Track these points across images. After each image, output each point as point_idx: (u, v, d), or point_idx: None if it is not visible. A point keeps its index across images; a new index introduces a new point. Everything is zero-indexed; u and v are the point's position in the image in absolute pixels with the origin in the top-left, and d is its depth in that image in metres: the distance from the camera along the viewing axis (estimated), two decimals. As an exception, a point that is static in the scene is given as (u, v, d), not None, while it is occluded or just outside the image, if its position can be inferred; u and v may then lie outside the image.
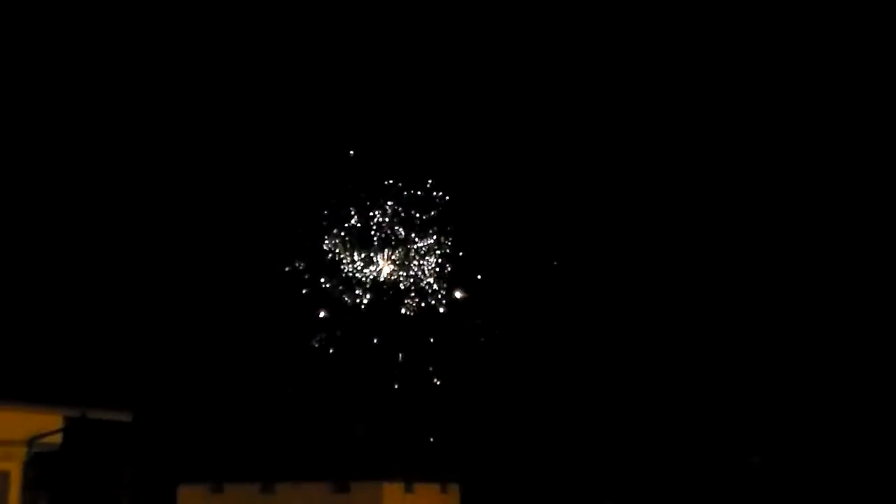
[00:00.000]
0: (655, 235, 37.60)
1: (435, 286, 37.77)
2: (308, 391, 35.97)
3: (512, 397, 37.12)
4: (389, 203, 38.13)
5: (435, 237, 38.17)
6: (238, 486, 31.02)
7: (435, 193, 38.63)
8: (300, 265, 37.10)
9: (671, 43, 38.67)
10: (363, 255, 37.51)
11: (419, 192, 38.43)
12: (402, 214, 38.31)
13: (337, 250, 37.58)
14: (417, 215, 38.67)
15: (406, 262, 37.34)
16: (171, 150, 37.09)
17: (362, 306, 37.11)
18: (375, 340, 37.80)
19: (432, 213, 38.66)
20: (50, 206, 34.79)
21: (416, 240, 38.05)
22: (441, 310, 37.64)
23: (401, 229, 38.11)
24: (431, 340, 37.64)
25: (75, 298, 33.92)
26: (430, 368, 37.50)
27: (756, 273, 36.67)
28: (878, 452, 32.13)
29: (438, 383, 37.39)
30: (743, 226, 37.27)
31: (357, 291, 37.08)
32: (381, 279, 37.50)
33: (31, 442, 16.11)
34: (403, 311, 37.28)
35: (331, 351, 36.92)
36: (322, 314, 37.66)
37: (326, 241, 37.65)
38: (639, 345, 36.60)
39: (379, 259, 37.68)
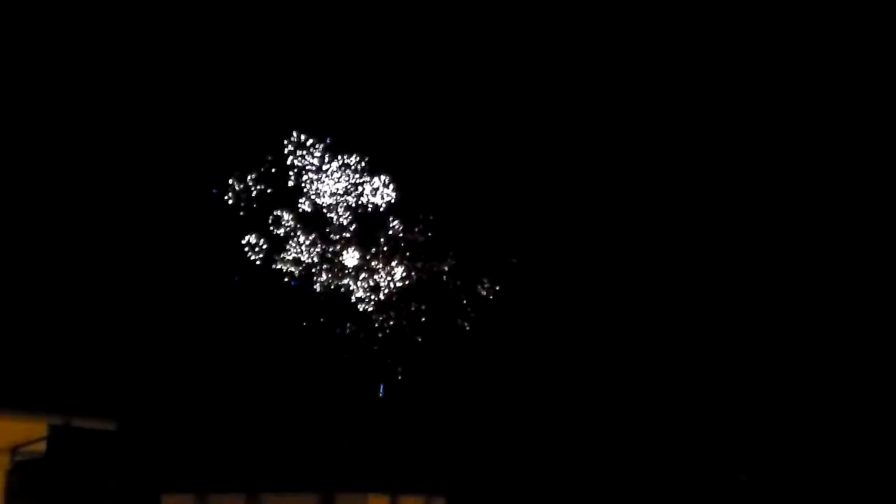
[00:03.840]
0: (635, 258, 37.64)
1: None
2: (294, 402, 35.82)
3: (498, 409, 37.04)
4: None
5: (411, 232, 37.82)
6: (223, 496, 30.83)
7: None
8: (286, 268, 36.81)
9: (669, 42, 38.78)
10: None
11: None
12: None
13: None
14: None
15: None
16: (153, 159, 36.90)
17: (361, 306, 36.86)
18: (362, 350, 37.65)
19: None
20: (33, 211, 34.57)
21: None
22: (422, 319, 37.44)
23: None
24: (417, 347, 37.47)
25: (58, 305, 33.70)
26: (416, 377, 37.38)
27: (743, 287, 36.74)
28: (867, 469, 32.18)
29: (424, 393, 37.28)
30: (723, 255, 37.35)
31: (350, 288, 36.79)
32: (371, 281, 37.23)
33: (14, 450, 15.98)
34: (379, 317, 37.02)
35: (316, 360, 36.73)
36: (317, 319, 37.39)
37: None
38: (626, 360, 36.59)
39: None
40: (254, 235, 36.12)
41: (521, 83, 39.12)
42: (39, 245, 34.59)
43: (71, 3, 36.54)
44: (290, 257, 36.35)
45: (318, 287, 36.55)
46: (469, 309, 36.78)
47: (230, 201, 36.44)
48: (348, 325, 36.64)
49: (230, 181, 36.53)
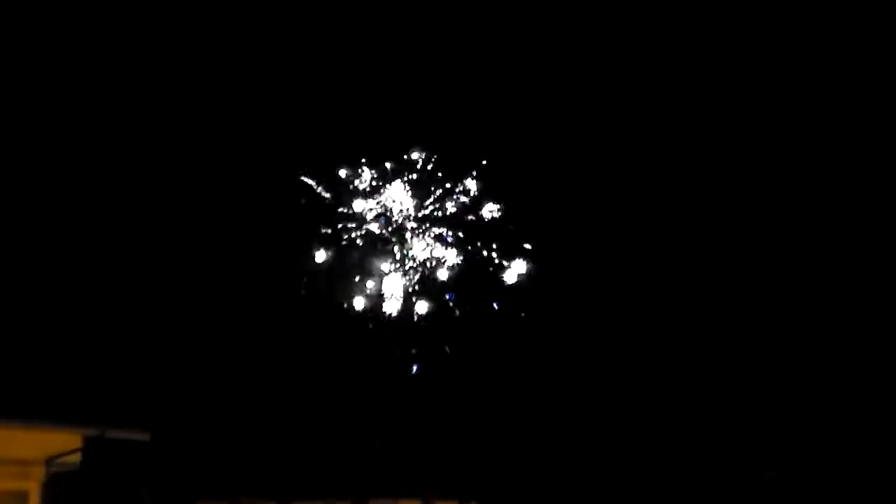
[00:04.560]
0: (668, 245, 37.55)
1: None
2: (326, 407, 36.05)
3: (532, 414, 37.08)
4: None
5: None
6: (255, 502, 31.09)
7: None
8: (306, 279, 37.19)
9: (667, 40, 38.69)
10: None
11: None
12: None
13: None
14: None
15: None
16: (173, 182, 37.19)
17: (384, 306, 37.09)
18: (396, 352, 37.86)
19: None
20: (63, 219, 34.95)
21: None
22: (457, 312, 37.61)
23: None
24: (448, 350, 37.62)
25: (92, 318, 34.13)
26: (450, 382, 37.51)
27: (774, 284, 36.56)
28: (892, 468, 31.94)
29: (458, 397, 37.39)
30: (761, 236, 37.19)
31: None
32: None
33: (49, 461, 16.27)
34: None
35: (348, 362, 36.98)
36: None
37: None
38: (655, 360, 36.53)
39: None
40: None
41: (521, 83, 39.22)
42: (75, 260, 35.04)
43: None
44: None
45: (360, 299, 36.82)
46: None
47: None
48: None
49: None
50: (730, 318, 35.88)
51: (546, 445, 36.12)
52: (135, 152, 37.02)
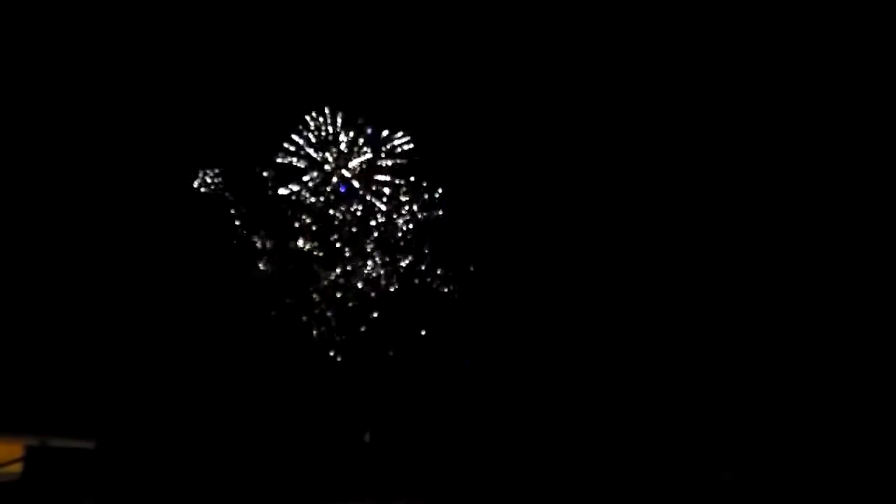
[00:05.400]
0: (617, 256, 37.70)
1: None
2: (272, 413, 35.61)
3: (501, 418, 37.07)
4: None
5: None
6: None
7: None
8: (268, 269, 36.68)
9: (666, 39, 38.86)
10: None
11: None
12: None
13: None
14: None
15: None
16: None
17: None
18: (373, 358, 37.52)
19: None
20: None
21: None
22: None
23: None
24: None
25: (32, 323, 33.34)
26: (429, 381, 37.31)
27: (728, 283, 36.85)
28: (855, 469, 32.27)
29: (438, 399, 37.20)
30: (713, 250, 37.49)
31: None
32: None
33: (-10, 471, 15.76)
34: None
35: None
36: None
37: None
38: (611, 361, 36.64)
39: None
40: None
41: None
42: (15, 263, 34.28)
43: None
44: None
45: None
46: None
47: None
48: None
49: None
50: (680, 318, 36.10)
51: (504, 445, 36.06)
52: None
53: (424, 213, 37.21)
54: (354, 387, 36.46)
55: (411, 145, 37.20)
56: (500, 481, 36.00)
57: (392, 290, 37.10)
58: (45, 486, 27.45)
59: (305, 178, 36.85)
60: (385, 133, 36.85)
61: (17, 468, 16.49)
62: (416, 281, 37.44)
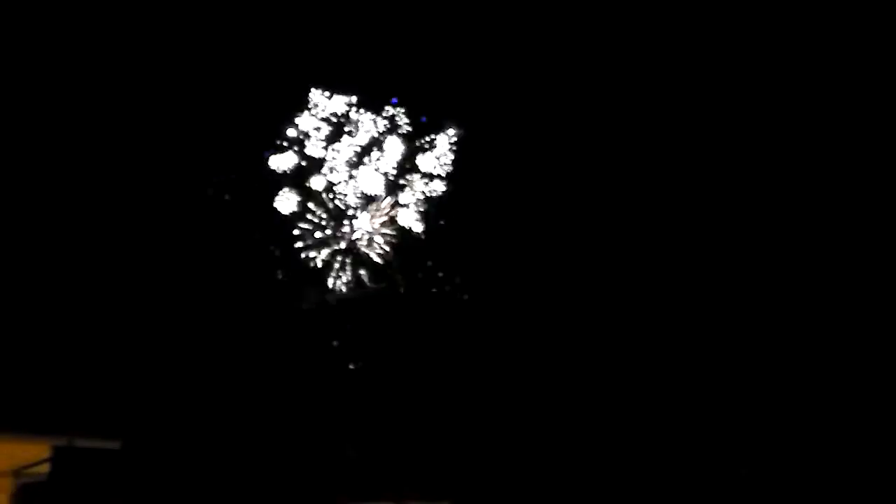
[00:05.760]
0: (643, 247, 37.62)
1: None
2: (297, 414, 35.83)
3: (505, 412, 37.05)
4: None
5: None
6: (229, 510, 30.81)
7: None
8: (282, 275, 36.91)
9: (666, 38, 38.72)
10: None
11: None
12: None
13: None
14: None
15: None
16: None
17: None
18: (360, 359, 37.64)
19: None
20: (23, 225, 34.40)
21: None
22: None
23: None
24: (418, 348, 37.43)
25: (58, 323, 33.70)
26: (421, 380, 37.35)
27: (743, 278, 36.72)
28: (870, 466, 32.17)
29: (429, 396, 37.25)
30: (728, 237, 37.36)
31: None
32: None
33: (17, 472, 16.03)
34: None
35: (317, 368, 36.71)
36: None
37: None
38: (624, 356, 36.61)
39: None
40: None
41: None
42: (39, 266, 34.61)
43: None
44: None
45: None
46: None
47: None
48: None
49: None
50: (697, 315, 36.03)
51: (519, 445, 36.11)
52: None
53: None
54: (366, 387, 36.73)
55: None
56: (522, 480, 36.14)
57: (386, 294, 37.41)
58: (71, 486, 27.84)
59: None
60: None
61: (44, 468, 16.75)
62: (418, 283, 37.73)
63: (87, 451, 17.50)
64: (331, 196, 36.68)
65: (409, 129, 37.10)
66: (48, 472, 16.95)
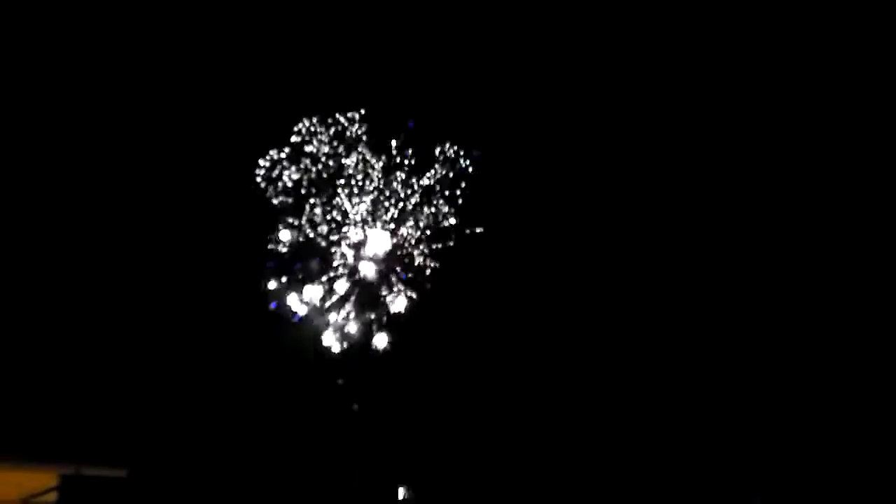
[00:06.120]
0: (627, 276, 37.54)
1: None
2: (302, 444, 35.81)
3: (504, 434, 36.98)
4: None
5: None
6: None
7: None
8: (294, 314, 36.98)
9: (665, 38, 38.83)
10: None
11: None
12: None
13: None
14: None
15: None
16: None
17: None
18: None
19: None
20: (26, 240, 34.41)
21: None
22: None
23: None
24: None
25: (66, 353, 33.77)
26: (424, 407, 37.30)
27: (756, 299, 36.61)
28: (871, 466, 31.98)
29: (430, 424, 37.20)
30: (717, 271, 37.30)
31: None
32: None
33: (26, 501, 16.07)
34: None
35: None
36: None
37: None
38: (636, 380, 36.51)
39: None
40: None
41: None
42: (45, 291, 34.67)
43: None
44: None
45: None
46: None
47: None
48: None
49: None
50: (714, 342, 35.89)
51: (524, 469, 35.99)
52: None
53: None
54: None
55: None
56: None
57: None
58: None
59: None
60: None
61: (51, 497, 16.80)
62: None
63: (94, 480, 17.54)
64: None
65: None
66: (56, 501, 16.97)
